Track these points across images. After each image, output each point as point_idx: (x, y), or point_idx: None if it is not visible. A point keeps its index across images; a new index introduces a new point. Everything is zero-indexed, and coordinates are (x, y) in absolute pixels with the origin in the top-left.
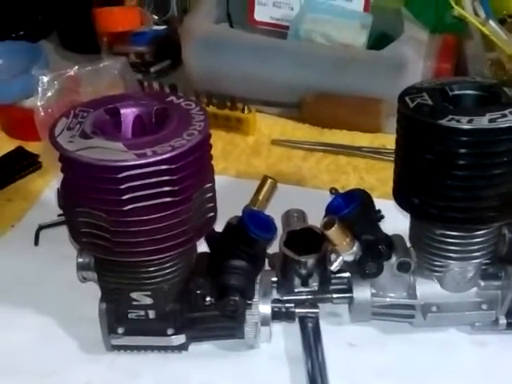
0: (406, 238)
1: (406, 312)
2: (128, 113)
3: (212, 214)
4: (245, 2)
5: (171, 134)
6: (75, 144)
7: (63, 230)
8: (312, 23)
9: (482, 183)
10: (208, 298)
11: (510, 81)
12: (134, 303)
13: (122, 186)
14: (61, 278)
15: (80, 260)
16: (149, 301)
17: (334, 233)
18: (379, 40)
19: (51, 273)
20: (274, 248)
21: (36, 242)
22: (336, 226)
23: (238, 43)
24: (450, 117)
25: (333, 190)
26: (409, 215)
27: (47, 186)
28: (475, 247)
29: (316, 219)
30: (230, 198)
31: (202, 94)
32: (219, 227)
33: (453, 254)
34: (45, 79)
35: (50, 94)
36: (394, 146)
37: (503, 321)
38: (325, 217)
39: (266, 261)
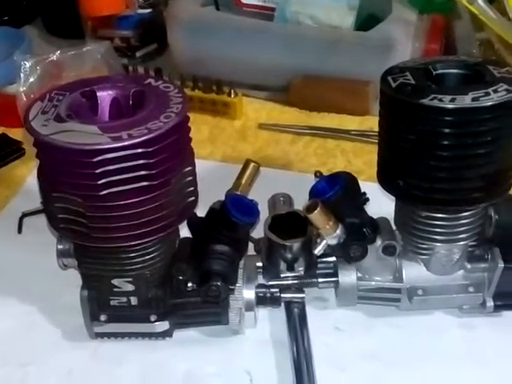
0: (392, 221)
1: (392, 295)
2: (104, 96)
3: (193, 198)
4: None
5: (148, 116)
6: (49, 128)
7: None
8: (299, 5)
9: (465, 163)
10: (190, 284)
11: (495, 60)
12: (116, 290)
13: (98, 171)
14: (44, 266)
15: (60, 247)
16: (130, 287)
17: (316, 216)
18: (367, 21)
19: (35, 261)
20: (259, 233)
21: (19, 230)
22: (319, 209)
23: (225, 26)
24: (433, 96)
25: (317, 174)
26: (395, 198)
27: (30, 173)
28: (461, 229)
29: (302, 203)
30: (216, 183)
31: (187, 78)
32: (203, 211)
33: (438, 236)
34: (27, 64)
35: (32, 79)
36: None
37: (490, 303)
38: (309, 199)
39: (252, 246)
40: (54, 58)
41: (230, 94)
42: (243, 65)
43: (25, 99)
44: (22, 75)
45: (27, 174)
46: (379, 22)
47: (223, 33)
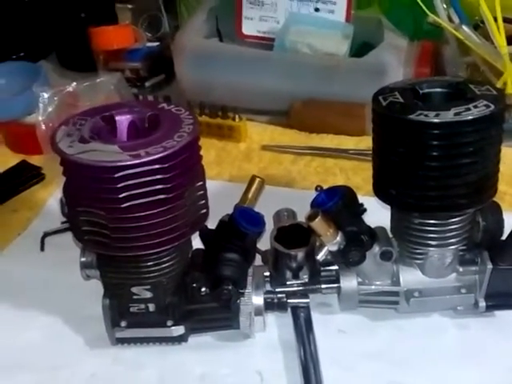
0: (388, 230)
1: (390, 298)
2: (122, 119)
3: (204, 210)
4: (233, 17)
5: (163, 136)
6: (74, 148)
7: (67, 237)
8: (297, 35)
9: (451, 173)
10: (203, 289)
11: (476, 79)
12: (135, 297)
13: (119, 185)
14: (66, 281)
15: (83, 259)
16: (148, 294)
17: (317, 224)
18: (361, 48)
19: (57, 276)
20: (266, 245)
21: (42, 248)
22: (319, 217)
23: (228, 56)
24: (419, 112)
25: (318, 188)
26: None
27: (51, 196)
28: (451, 234)
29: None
30: (224, 200)
31: (194, 105)
32: (214, 226)
33: (431, 241)
34: (45, 95)
35: (50, 109)
36: None
37: (483, 303)
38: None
39: (259, 257)
40: (70, 89)
41: (234, 119)
42: (246, 91)
43: (44, 128)
44: (40, 105)
45: (47, 196)
46: (372, 49)
47: (227, 62)
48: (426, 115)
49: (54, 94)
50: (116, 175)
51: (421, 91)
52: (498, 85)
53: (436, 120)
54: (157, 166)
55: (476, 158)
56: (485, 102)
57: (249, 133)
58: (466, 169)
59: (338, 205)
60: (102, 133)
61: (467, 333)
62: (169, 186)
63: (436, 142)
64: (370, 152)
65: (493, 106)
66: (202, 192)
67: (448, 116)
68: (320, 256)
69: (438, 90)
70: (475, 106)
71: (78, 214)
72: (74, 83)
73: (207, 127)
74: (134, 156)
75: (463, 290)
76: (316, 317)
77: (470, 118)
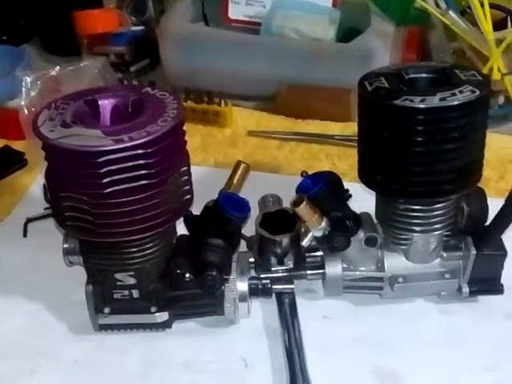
0: (373, 216)
1: (375, 284)
2: (106, 104)
3: (188, 196)
4: (219, 1)
5: (146, 121)
6: (56, 133)
7: (50, 222)
8: (283, 19)
9: (436, 158)
10: (188, 275)
11: (462, 65)
12: (119, 283)
13: (102, 170)
14: (49, 267)
15: (66, 245)
16: (132, 281)
17: (302, 209)
18: (347, 34)
19: (40, 262)
20: (251, 231)
21: (24, 234)
22: (304, 203)
23: (214, 41)
24: (405, 97)
25: (303, 173)
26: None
27: (33, 182)
28: (436, 219)
29: None
30: (209, 186)
31: (180, 90)
32: (199, 212)
33: (415, 226)
34: (28, 80)
35: (33, 93)
36: None
37: (466, 289)
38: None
39: (244, 243)
40: (54, 73)
41: (220, 104)
42: (232, 76)
43: (26, 112)
44: (23, 90)
45: (30, 182)
46: (359, 34)
47: (212, 47)
48: (411, 100)
49: (37, 79)
50: (99, 160)
51: (407, 76)
52: (484, 71)
53: (421, 105)
54: (140, 151)
55: (461, 144)
56: (470, 88)
57: (234, 118)
58: (451, 154)
59: (322, 190)
60: (85, 117)
61: (450, 318)
62: (152, 171)
63: (421, 127)
64: (356, 138)
65: (478, 92)
66: (186, 177)
67: (433, 101)
68: (305, 242)
69: (424, 75)
70: (460, 92)
71: (60, 199)
72: (58, 67)
73: (192, 112)
74: (117, 141)
75: (447, 276)
76: (300, 302)
77: (456, 103)
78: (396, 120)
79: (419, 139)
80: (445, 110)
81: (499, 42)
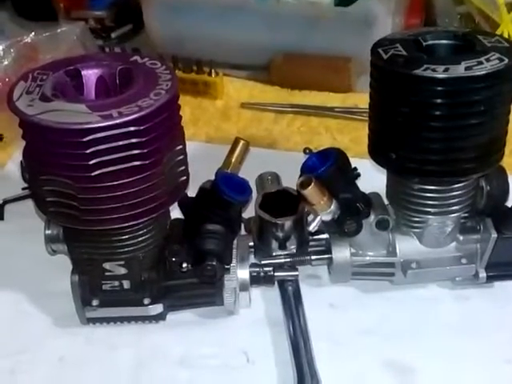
0: (383, 196)
1: (386, 270)
2: (90, 74)
3: (184, 177)
4: None
5: (137, 94)
6: (35, 108)
7: (29, 204)
8: None
9: (459, 134)
10: (185, 265)
11: (484, 30)
12: (108, 274)
13: (88, 151)
14: (29, 252)
15: (48, 232)
16: (123, 271)
17: (311, 192)
18: None
19: (19, 247)
20: (249, 212)
21: (1, 217)
22: (313, 184)
23: (203, 4)
24: (426, 66)
25: (307, 150)
26: (385, 173)
27: (10, 159)
28: (453, 201)
29: (290, 181)
30: (201, 164)
31: (166, 59)
32: (192, 193)
33: (431, 208)
34: (0, 47)
35: (6, 62)
36: (366, 105)
37: (483, 274)
38: (300, 176)
39: (242, 225)
40: (29, 40)
41: (210, 74)
42: (223, 44)
43: (0, 84)
44: None
45: (6, 160)
46: None
47: (202, 11)
48: (433, 70)
49: (10, 46)
50: (85, 139)
51: (424, 43)
52: None
53: (445, 75)
54: (132, 129)
55: (486, 118)
56: (497, 55)
57: (226, 89)
58: (475, 130)
59: (331, 170)
60: (67, 90)
61: (466, 305)
62: (145, 151)
63: (444, 99)
64: (358, 110)
65: (507, 60)
66: (181, 157)
67: (458, 71)
68: (312, 227)
69: (444, 41)
70: (487, 60)
71: (41, 183)
72: (33, 33)
73: (181, 83)
74: (105, 117)
75: (463, 260)
76: (305, 290)
77: (484, 72)
78: (416, 92)
79: (441, 113)
80: (472, 80)
81: (511, 6)
